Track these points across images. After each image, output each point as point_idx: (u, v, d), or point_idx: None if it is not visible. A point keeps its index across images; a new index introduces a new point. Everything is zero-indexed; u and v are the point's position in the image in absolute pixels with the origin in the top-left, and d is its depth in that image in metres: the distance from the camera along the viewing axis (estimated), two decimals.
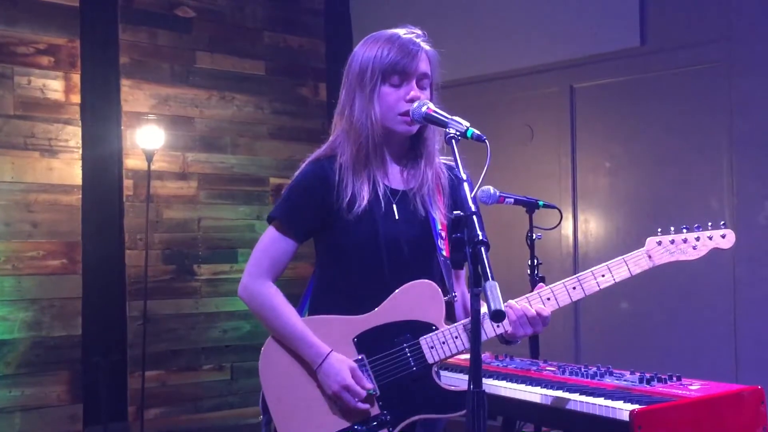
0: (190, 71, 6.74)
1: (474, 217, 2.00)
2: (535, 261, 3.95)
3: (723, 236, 2.42)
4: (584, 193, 5.99)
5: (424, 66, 2.33)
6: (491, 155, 2.13)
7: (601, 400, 2.68)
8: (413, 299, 2.26)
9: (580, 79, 6.02)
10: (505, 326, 2.23)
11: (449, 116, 2.25)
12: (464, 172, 2.13)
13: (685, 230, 2.36)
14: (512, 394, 3.02)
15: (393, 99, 2.28)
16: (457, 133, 2.19)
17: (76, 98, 6.11)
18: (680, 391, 2.72)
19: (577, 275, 2.33)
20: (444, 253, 2.32)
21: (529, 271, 3.96)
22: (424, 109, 2.30)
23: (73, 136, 6.08)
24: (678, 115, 5.51)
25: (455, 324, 2.27)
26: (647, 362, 4.02)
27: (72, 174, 6.07)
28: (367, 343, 2.29)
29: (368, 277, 2.30)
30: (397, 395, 2.24)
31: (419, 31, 2.41)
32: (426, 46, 2.37)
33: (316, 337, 2.28)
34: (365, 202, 2.27)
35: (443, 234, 2.32)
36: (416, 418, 2.23)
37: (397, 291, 2.27)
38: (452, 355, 2.26)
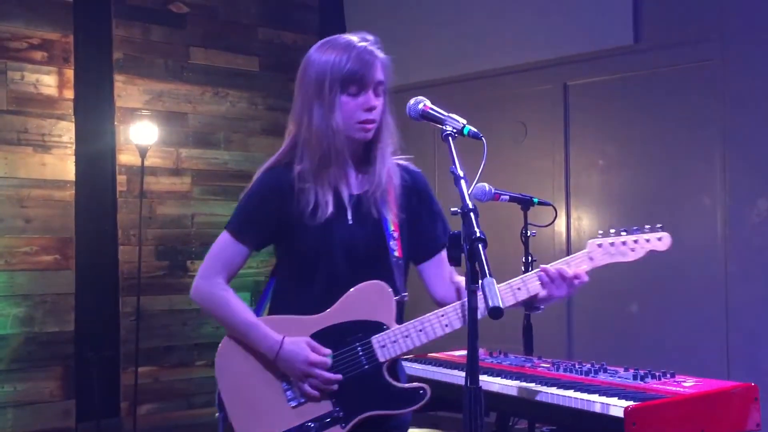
0: (183, 67, 6.73)
1: (471, 214, 2.02)
2: (530, 258, 3.96)
3: (659, 239, 2.42)
4: (577, 190, 6.00)
5: (380, 74, 2.33)
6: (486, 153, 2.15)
7: (595, 397, 2.69)
8: (364, 299, 2.29)
9: (573, 76, 6.04)
10: (534, 289, 2.31)
11: (446, 113, 2.27)
12: (461, 170, 2.14)
13: (624, 233, 2.40)
14: (506, 390, 3.03)
15: (351, 108, 2.29)
16: (454, 131, 2.22)
17: (69, 93, 6.09)
18: (674, 388, 2.74)
19: (522, 276, 2.34)
20: (396, 253, 2.35)
21: (523, 268, 3.97)
22: (420, 106, 2.32)
23: (66, 131, 6.07)
24: (671, 112, 5.53)
25: (405, 324, 2.30)
26: (640, 359, 4.04)
27: (65, 169, 6.06)
28: (320, 342, 2.31)
29: (326, 281, 2.32)
30: (350, 392, 2.27)
31: (371, 38, 2.39)
32: (380, 54, 2.37)
33: (268, 327, 2.31)
34: (329, 209, 2.29)
35: (395, 234, 2.35)
36: (368, 414, 2.26)
37: (348, 292, 2.30)
38: (403, 354, 2.30)
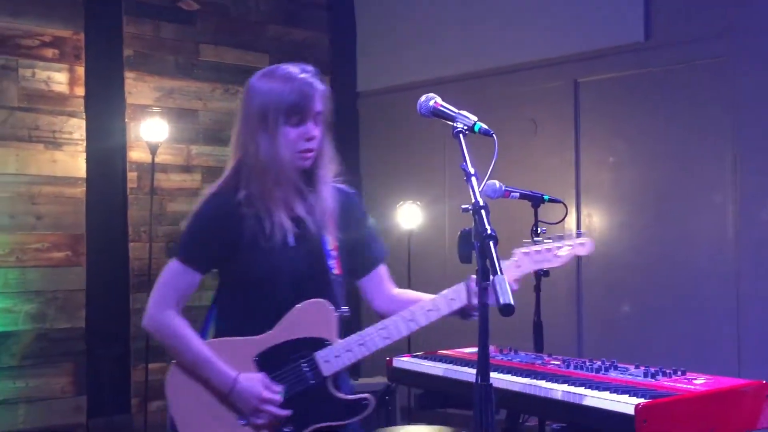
0: (194, 64, 6.75)
1: (482, 211, 2.02)
2: None
3: (581, 244, 2.56)
4: (588, 187, 5.99)
5: (319, 105, 2.41)
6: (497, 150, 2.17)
7: (606, 394, 2.68)
8: (306, 317, 2.39)
9: (584, 73, 6.02)
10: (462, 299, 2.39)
11: (457, 110, 2.28)
12: (472, 167, 2.15)
13: (549, 240, 2.50)
14: (516, 387, 3.02)
15: (293, 137, 2.38)
16: (465, 128, 2.23)
17: (80, 90, 6.11)
18: (685, 386, 2.72)
19: (454, 287, 2.41)
20: (335, 271, 2.46)
21: None
22: (431, 103, 2.33)
23: (77, 128, 6.09)
24: (682, 109, 5.51)
25: (347, 338, 2.40)
26: (651, 357, 4.04)
27: (76, 166, 6.08)
28: (267, 361, 2.40)
29: (270, 302, 2.41)
30: (298, 408, 2.37)
31: (311, 69, 2.47)
32: (320, 86, 2.44)
33: (222, 362, 2.39)
34: (284, 232, 2.39)
35: (334, 254, 2.46)
36: (316, 426, 2.37)
37: (291, 311, 2.39)
38: (346, 367, 2.41)
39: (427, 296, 2.46)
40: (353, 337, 2.39)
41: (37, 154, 5.93)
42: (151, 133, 6.19)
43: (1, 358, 5.73)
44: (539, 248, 2.49)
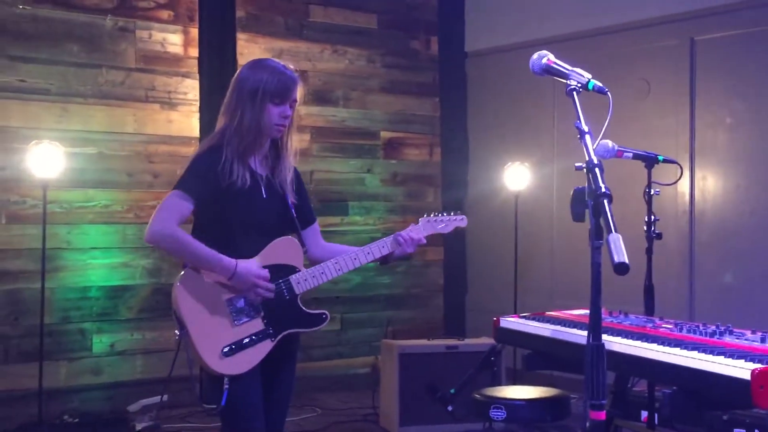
0: (303, 25, 6.80)
1: (596, 169, 2.00)
2: (653, 217, 3.88)
3: (461, 219, 3.44)
4: (702, 149, 5.83)
5: (295, 94, 3.12)
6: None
7: (720, 359, 2.63)
8: (283, 249, 3.14)
9: (701, 31, 5.84)
10: (391, 248, 3.25)
11: (570, 68, 2.26)
12: (586, 125, 2.12)
13: (441, 214, 3.40)
14: (627, 350, 2.99)
15: (274, 114, 3.08)
16: (579, 85, 2.21)
17: (194, 52, 6.25)
18: None
19: (383, 239, 3.28)
20: (296, 219, 3.19)
21: (645, 227, 3.89)
22: (544, 60, 2.32)
23: (191, 89, 6.23)
24: None
25: (311, 267, 3.15)
26: (765, 323, 3.92)
27: (190, 126, 6.23)
28: None
29: (245, 236, 3.06)
30: (277, 315, 3.07)
31: (292, 66, 3.16)
32: (298, 80, 3.12)
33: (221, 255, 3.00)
34: (244, 182, 3.02)
35: (293, 206, 3.19)
36: (290, 331, 3.10)
37: (272, 243, 3.11)
38: (312, 288, 3.15)
39: (352, 248, 3.26)
40: (316, 267, 3.16)
41: (153, 114, 6.10)
42: None
43: (120, 310, 5.97)
44: (435, 218, 3.38)
